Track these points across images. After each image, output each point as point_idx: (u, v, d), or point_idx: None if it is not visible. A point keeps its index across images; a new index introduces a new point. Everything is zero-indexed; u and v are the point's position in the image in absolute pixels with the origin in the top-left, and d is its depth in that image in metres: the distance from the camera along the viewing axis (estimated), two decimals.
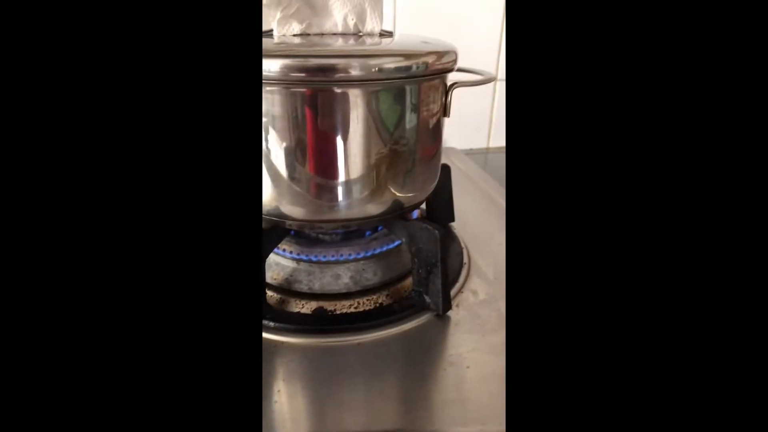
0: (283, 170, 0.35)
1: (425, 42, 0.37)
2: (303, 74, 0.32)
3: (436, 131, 0.39)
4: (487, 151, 0.82)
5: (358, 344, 0.36)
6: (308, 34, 0.38)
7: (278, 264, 0.41)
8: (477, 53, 0.77)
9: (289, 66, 0.31)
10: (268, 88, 0.33)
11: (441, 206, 0.51)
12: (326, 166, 0.35)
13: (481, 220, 0.56)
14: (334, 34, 0.39)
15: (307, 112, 0.33)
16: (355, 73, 0.32)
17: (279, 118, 0.33)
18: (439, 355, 0.35)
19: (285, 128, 0.34)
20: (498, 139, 0.82)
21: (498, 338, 0.37)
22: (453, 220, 0.53)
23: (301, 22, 0.37)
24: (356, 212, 0.37)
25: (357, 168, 0.35)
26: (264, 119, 0.34)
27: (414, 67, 0.34)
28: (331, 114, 0.33)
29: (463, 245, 0.49)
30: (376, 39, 0.39)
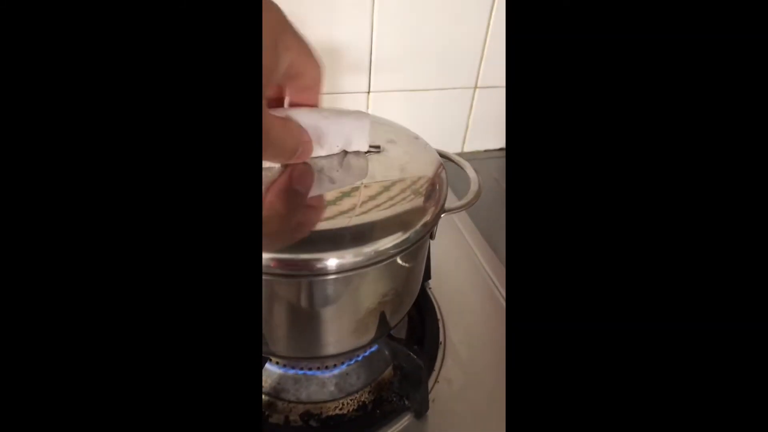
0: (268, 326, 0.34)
1: (420, 178, 0.35)
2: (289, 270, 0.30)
3: (423, 260, 0.39)
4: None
5: None
6: None
7: (265, 370, 0.42)
8: (460, 61, 0.72)
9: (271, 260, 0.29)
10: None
11: None
12: (311, 338, 0.35)
13: (458, 276, 0.57)
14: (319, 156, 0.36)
15: (293, 295, 0.32)
16: (345, 262, 0.30)
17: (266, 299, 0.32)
18: None
19: (268, 308, 0.33)
20: (473, 143, 0.80)
21: None
22: (429, 278, 0.54)
23: None
24: (344, 346, 0.37)
25: (343, 328, 0.35)
26: None
27: (411, 236, 0.32)
28: (317, 298, 0.32)
29: (438, 315, 0.51)
30: (362, 162, 0.36)
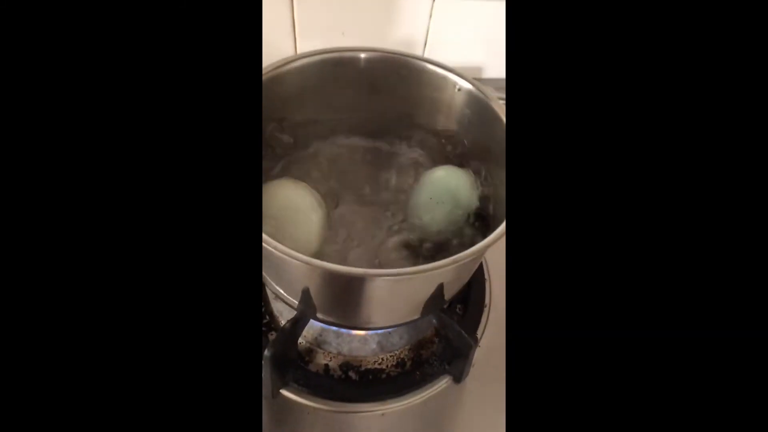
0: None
1: None
2: None
3: None
4: None
5: (383, 414, 0.40)
6: None
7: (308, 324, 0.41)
8: None
9: None
10: None
11: None
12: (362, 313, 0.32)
13: None
14: None
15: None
16: None
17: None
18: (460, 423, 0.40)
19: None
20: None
21: None
22: None
23: None
24: (394, 320, 0.36)
25: (398, 307, 0.32)
26: None
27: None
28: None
29: (486, 276, 0.48)
30: None
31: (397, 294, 0.33)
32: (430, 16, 0.62)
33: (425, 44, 0.65)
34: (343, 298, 0.34)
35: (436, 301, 0.36)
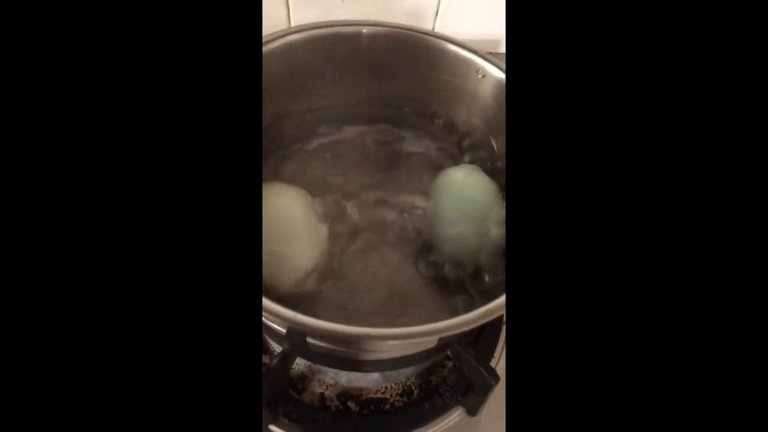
0: None
1: None
2: None
3: None
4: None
5: None
6: None
7: None
8: None
9: None
10: None
11: None
12: None
13: None
14: None
15: None
16: None
17: None
18: None
19: None
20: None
21: None
22: None
23: None
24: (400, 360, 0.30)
25: None
26: None
27: None
28: None
29: None
30: None
31: (405, 346, 0.28)
32: None
33: (437, 14, 0.58)
34: (340, 353, 0.28)
35: (452, 339, 0.31)
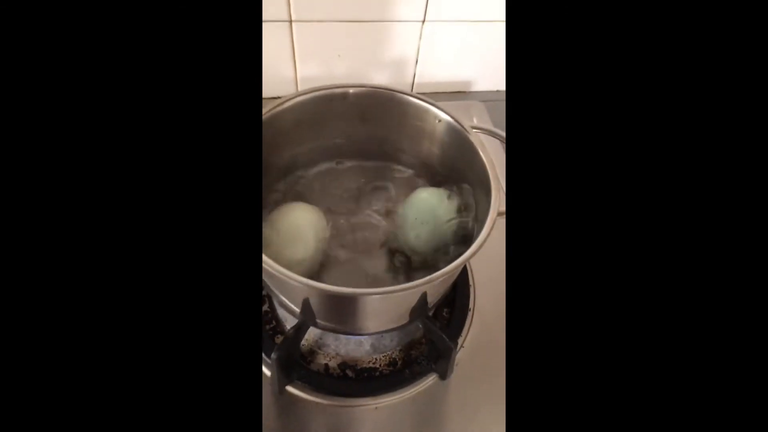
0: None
1: None
2: None
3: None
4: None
5: (376, 408, 0.45)
6: None
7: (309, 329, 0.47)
8: None
9: None
10: None
11: None
12: (355, 321, 0.38)
13: (491, 242, 0.57)
14: None
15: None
16: None
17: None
18: (445, 416, 0.45)
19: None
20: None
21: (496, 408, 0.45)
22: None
23: None
24: (384, 326, 0.41)
25: (386, 317, 0.37)
26: None
27: None
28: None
29: (471, 281, 0.53)
30: None
31: (385, 306, 0.38)
32: (420, 37, 0.66)
33: (416, 62, 0.70)
34: (339, 310, 0.39)
35: (421, 309, 0.41)
